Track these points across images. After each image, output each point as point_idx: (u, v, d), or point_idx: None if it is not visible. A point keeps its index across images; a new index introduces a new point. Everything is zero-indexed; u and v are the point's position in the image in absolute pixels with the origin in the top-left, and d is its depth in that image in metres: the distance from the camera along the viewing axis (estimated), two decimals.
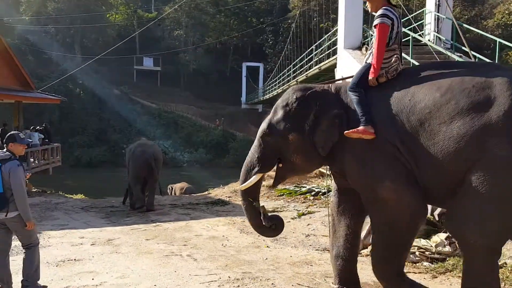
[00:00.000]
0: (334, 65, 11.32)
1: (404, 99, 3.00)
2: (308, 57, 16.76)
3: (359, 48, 9.42)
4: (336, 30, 11.77)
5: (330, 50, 12.96)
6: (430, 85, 2.94)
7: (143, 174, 8.43)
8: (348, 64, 9.04)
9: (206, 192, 11.49)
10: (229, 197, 9.86)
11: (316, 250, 5.42)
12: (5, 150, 4.08)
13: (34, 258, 4.10)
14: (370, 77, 3.22)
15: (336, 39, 11.32)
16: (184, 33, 40.95)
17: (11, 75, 14.77)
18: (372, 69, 3.21)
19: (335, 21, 27.39)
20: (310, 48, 16.47)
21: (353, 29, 9.55)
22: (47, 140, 15.90)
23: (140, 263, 4.88)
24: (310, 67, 15.79)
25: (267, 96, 30.57)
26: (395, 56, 3.23)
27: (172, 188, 13.29)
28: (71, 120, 31.82)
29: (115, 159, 30.09)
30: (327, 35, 14.29)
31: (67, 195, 13.63)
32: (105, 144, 31.68)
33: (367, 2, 3.42)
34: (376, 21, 3.23)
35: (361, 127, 3.08)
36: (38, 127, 16.41)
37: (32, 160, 14.23)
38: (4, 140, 4.14)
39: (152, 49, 39.30)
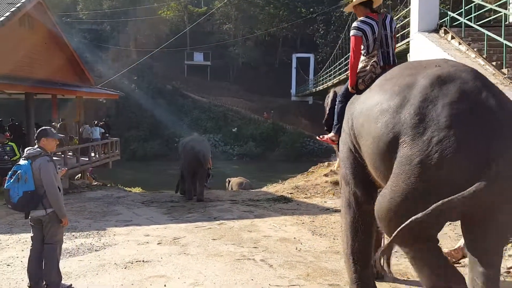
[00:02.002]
0: (405, 50, 10.45)
1: (359, 104, 3.21)
2: None
3: (436, 31, 8.54)
4: (406, 12, 10.87)
5: (399, 34, 12.04)
6: (377, 88, 3.08)
7: (193, 167, 8.96)
8: (424, 48, 8.21)
9: (265, 188, 11.08)
10: (290, 193, 9.39)
11: (405, 257, 4.81)
12: (36, 146, 3.90)
13: (54, 254, 3.87)
14: (349, 86, 3.53)
15: (405, 22, 10.46)
16: (233, 26, 40.83)
17: (72, 72, 15.15)
18: (349, 79, 3.54)
19: (391, 7, 26.14)
20: None
21: (428, 9, 8.67)
22: (107, 135, 16.23)
23: (211, 267, 4.54)
24: None
25: (319, 88, 29.70)
26: (372, 63, 3.44)
27: (229, 182, 13.05)
28: (127, 115, 32.72)
29: (168, 152, 30.63)
30: (396, 17, 13.32)
31: (126, 188, 13.77)
32: (159, 138, 32.29)
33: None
34: (350, 33, 3.55)
35: (330, 134, 3.78)
36: (99, 121, 16.78)
37: (93, 154, 14.52)
38: (35, 135, 3.97)
39: (202, 44, 39.54)
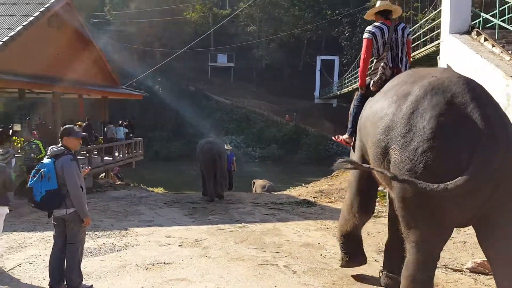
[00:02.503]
0: (434, 53, 10.11)
1: (367, 109, 3.44)
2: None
3: (468, 33, 8.21)
4: (435, 14, 10.53)
5: (427, 37, 11.70)
6: (382, 94, 3.30)
7: (211, 168, 9.21)
8: (456, 51, 7.89)
9: (288, 191, 10.91)
10: (314, 197, 9.20)
11: (438, 268, 4.57)
12: (60, 144, 3.86)
13: (77, 254, 3.83)
14: (359, 86, 3.80)
15: (434, 24, 10.12)
16: (257, 28, 40.81)
17: (98, 72, 15.34)
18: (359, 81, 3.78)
19: (417, 10, 25.54)
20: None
21: (460, 10, 8.34)
22: (131, 135, 16.36)
23: (233, 272, 4.42)
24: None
25: (344, 90, 29.28)
26: (382, 65, 3.64)
27: (254, 183, 12.96)
28: (150, 115, 33.08)
29: (191, 153, 30.66)
30: (424, 19, 12.98)
31: (149, 188, 13.83)
32: (182, 139, 32.51)
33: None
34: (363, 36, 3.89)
35: (344, 136, 3.97)
36: (123, 121, 16.94)
37: (117, 154, 14.66)
38: (59, 134, 3.95)
39: (225, 46, 39.65)
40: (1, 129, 12.81)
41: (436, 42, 10.89)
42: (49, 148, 3.92)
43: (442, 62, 8.61)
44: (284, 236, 6.02)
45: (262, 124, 34.68)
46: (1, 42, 9.81)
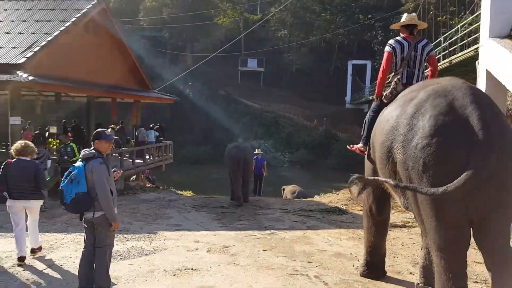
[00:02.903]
0: (472, 57, 9.70)
1: (378, 118, 3.64)
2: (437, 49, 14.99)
3: (509, 37, 7.77)
4: (473, 18, 10.11)
5: (464, 41, 11.27)
6: (392, 102, 3.53)
7: (238, 172, 9.32)
8: (496, 55, 7.48)
9: (318, 198, 10.69)
10: (345, 205, 8.94)
11: (475, 282, 4.30)
12: (92, 148, 3.88)
13: (105, 258, 3.82)
14: (374, 96, 4.02)
15: (472, 29, 9.72)
16: (288, 33, 40.69)
17: (131, 76, 15.65)
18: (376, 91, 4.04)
19: (453, 14, 24.75)
20: (438, 40, 14.67)
21: (501, 14, 7.87)
22: (161, 138, 16.55)
23: (262, 280, 4.29)
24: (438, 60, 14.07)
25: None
26: (395, 80, 3.84)
27: (284, 190, 12.80)
28: (181, 119, 33.48)
29: (219, 157, 30.77)
30: (462, 23, 12.53)
31: (178, 192, 13.90)
32: (211, 142, 32.71)
33: None
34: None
35: (359, 144, 4.22)
36: (154, 125, 17.18)
37: (147, 156, 14.85)
38: (92, 137, 3.98)
39: (256, 51, 39.72)
40: (38, 131, 13.24)
41: (475, 46, 10.49)
42: (82, 151, 3.95)
43: (481, 66, 8.17)
44: (315, 244, 5.84)
45: (292, 129, 34.46)
46: (39, 47, 10.15)
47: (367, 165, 3.98)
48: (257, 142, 31.67)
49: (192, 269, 4.66)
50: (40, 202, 5.11)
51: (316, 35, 39.76)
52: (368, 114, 4.12)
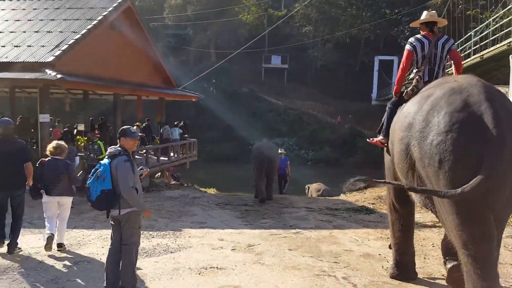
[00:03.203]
0: (506, 51, 9.30)
1: (398, 112, 3.72)
2: (462, 47, 14.48)
3: None
4: (505, 12, 9.69)
5: (497, 35, 10.83)
6: (412, 98, 3.59)
7: (262, 171, 9.45)
8: None
9: (344, 196, 10.49)
10: (372, 204, 8.74)
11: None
12: (118, 145, 3.87)
13: (131, 255, 3.79)
14: (393, 92, 4.09)
15: (505, 22, 9.30)
16: (313, 28, 40.22)
17: (156, 74, 15.75)
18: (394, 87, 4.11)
19: (484, 8, 23.85)
20: (468, 34, 14.15)
21: None
22: (186, 136, 16.64)
23: (288, 281, 4.20)
24: (465, 57, 13.58)
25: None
26: (416, 78, 3.86)
27: (308, 188, 12.65)
28: (204, 116, 33.64)
29: (242, 154, 30.85)
30: (494, 17, 12.05)
31: (202, 189, 13.93)
32: (234, 140, 32.71)
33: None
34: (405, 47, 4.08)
35: (379, 137, 4.20)
36: (178, 122, 17.29)
37: (172, 154, 14.95)
38: (117, 135, 3.97)
39: (280, 47, 39.45)
40: (66, 128, 13.51)
41: (508, 40, 10.09)
42: (109, 148, 3.95)
43: None
44: (342, 244, 5.71)
45: (316, 126, 34.06)
46: (67, 45, 10.32)
47: (387, 157, 4.04)
48: (281, 140, 31.48)
49: (217, 267, 4.61)
50: (71, 198, 5.34)
51: (341, 31, 39.12)
52: (387, 107, 4.17)
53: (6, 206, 5.06)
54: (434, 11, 4.27)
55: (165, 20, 39.86)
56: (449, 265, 3.85)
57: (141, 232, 5.99)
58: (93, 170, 3.84)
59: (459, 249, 2.89)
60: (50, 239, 4.97)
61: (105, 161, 3.80)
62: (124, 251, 3.80)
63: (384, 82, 37.04)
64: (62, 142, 5.42)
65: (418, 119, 3.09)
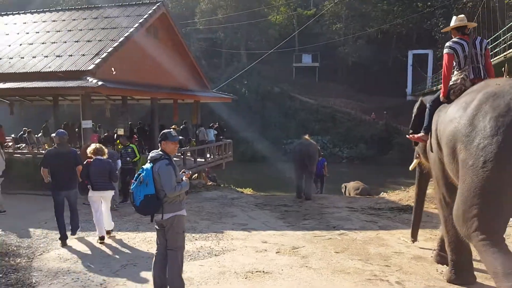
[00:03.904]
0: None
1: (444, 112, 3.81)
2: (496, 42, 13.78)
3: None
4: None
5: None
6: (457, 100, 3.72)
7: (301, 167, 9.59)
8: None
9: (386, 195, 10.20)
10: None
11: None
12: (159, 149, 3.86)
13: (177, 259, 3.76)
14: (441, 96, 4.12)
15: None
16: (343, 26, 39.60)
17: (191, 77, 15.91)
18: (441, 90, 4.16)
19: None
20: (497, 34, 13.45)
21: None
22: (221, 137, 16.71)
23: (338, 285, 4.09)
24: (496, 54, 12.90)
25: (440, 86, 27.02)
26: (462, 77, 3.98)
27: (345, 187, 12.40)
28: (237, 117, 33.76)
29: (276, 154, 30.80)
30: None
31: (238, 189, 13.95)
32: (267, 140, 32.65)
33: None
34: (444, 51, 4.19)
35: (420, 134, 4.35)
36: (213, 124, 17.38)
37: (208, 155, 15.05)
38: (158, 139, 3.99)
39: (310, 46, 39.06)
40: (107, 133, 13.85)
41: None
42: (150, 153, 3.95)
43: None
44: (390, 246, 5.51)
45: (349, 124, 33.52)
46: (106, 53, 10.57)
47: (430, 154, 4.20)
48: (314, 138, 31.09)
49: (263, 271, 4.54)
50: (112, 192, 6.19)
51: (372, 27, 38.30)
52: (428, 104, 4.31)
53: (63, 206, 5.87)
54: (463, 15, 4.40)
55: (196, 24, 40.31)
56: None
57: (185, 236, 6.06)
58: (136, 175, 3.85)
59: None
60: (101, 238, 5.79)
61: (147, 165, 3.80)
62: (170, 256, 3.79)
63: (419, 76, 35.94)
64: (101, 145, 6.21)
65: (464, 124, 3.25)
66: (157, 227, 3.87)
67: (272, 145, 32.20)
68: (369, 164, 29.22)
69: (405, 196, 9.15)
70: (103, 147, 6.17)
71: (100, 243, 5.71)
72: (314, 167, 10.10)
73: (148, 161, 3.86)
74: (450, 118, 3.52)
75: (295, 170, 9.80)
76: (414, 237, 5.44)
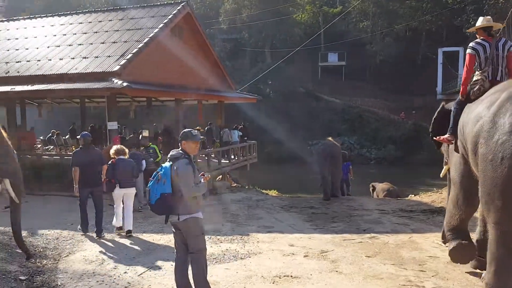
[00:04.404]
0: None
1: (466, 113, 4.02)
2: None
3: None
4: None
5: None
6: (479, 100, 3.89)
7: (325, 168, 9.50)
8: None
9: (418, 197, 9.80)
10: None
11: None
12: (179, 148, 3.70)
13: (200, 262, 3.59)
14: (460, 95, 4.31)
15: None
16: (370, 23, 38.84)
17: (215, 78, 15.82)
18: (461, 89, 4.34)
19: None
20: None
21: None
22: (245, 138, 16.58)
23: None
24: None
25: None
26: (481, 77, 4.11)
27: (373, 187, 12.02)
28: (262, 118, 33.59)
29: (301, 155, 30.45)
30: None
31: (263, 191, 13.76)
32: (292, 141, 32.31)
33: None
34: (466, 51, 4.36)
35: (446, 135, 4.42)
36: (238, 125, 17.28)
37: (232, 156, 14.94)
38: (179, 138, 3.82)
39: (336, 44, 38.52)
40: (132, 135, 13.94)
41: None
42: (171, 151, 3.80)
43: None
44: (425, 250, 5.20)
45: (377, 124, 32.80)
46: (131, 54, 10.60)
47: (455, 155, 4.32)
48: (341, 139, 30.63)
49: (291, 276, 4.34)
50: (134, 190, 6.58)
51: (401, 24, 37.42)
52: (453, 107, 4.38)
53: (87, 200, 6.27)
54: (489, 17, 4.46)
55: (220, 25, 40.44)
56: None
57: (209, 236, 5.92)
58: (154, 173, 3.72)
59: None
60: (119, 229, 6.23)
61: (166, 164, 3.67)
62: (192, 260, 3.63)
63: (450, 74, 34.79)
64: (121, 146, 6.64)
65: (487, 120, 3.42)
66: (173, 230, 3.69)
67: (297, 146, 31.85)
68: (398, 165, 28.51)
69: (438, 197, 8.74)
70: (124, 147, 6.55)
71: (128, 236, 6.11)
72: (339, 168, 10.10)
73: (168, 160, 3.72)
74: (476, 118, 3.64)
75: (320, 171, 9.71)
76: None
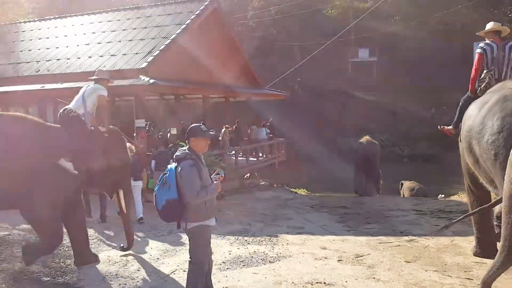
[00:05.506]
0: None
1: (469, 108, 4.31)
2: None
3: None
4: None
5: None
6: (478, 99, 4.27)
7: (359, 166, 9.77)
8: None
9: (457, 197, 9.24)
10: None
11: None
12: (186, 147, 3.29)
13: (193, 274, 3.27)
14: (469, 92, 4.66)
15: None
16: (403, 17, 37.68)
17: (243, 75, 15.58)
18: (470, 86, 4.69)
19: None
20: None
21: None
22: (271, 135, 16.30)
23: None
24: None
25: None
26: (488, 76, 4.46)
27: (402, 185, 11.53)
28: (291, 115, 33.18)
29: (331, 153, 29.89)
30: None
31: (292, 190, 13.44)
32: (322, 139, 31.82)
33: None
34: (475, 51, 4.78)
35: (449, 127, 5.01)
36: (265, 122, 17.02)
37: (260, 154, 14.68)
38: (185, 135, 3.38)
39: (367, 40, 37.54)
40: (161, 133, 13.91)
41: None
42: (177, 150, 3.44)
43: None
44: (469, 255, 4.78)
45: (410, 121, 31.84)
46: (158, 51, 10.50)
47: (460, 146, 4.56)
48: (372, 136, 29.85)
49: (324, 283, 4.03)
50: (140, 183, 7.36)
51: (435, 16, 36.07)
52: (460, 102, 4.76)
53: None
54: (498, 22, 4.79)
55: (248, 21, 40.26)
56: None
57: (236, 237, 5.67)
58: (161, 175, 3.36)
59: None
60: (140, 219, 6.87)
61: (172, 165, 3.30)
62: (189, 268, 3.33)
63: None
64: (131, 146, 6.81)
65: (477, 122, 3.75)
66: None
67: (326, 144, 31.33)
68: (432, 163, 27.51)
69: None
70: (131, 145, 6.82)
71: (140, 223, 6.76)
72: (378, 168, 10.11)
73: (173, 160, 3.37)
74: (468, 115, 4.04)
75: (356, 170, 9.65)
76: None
